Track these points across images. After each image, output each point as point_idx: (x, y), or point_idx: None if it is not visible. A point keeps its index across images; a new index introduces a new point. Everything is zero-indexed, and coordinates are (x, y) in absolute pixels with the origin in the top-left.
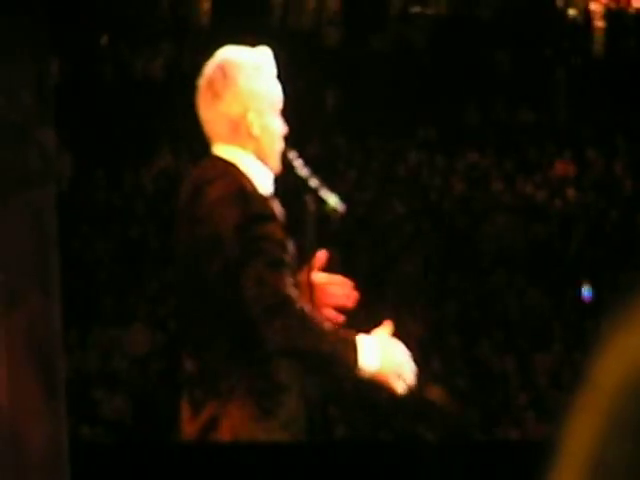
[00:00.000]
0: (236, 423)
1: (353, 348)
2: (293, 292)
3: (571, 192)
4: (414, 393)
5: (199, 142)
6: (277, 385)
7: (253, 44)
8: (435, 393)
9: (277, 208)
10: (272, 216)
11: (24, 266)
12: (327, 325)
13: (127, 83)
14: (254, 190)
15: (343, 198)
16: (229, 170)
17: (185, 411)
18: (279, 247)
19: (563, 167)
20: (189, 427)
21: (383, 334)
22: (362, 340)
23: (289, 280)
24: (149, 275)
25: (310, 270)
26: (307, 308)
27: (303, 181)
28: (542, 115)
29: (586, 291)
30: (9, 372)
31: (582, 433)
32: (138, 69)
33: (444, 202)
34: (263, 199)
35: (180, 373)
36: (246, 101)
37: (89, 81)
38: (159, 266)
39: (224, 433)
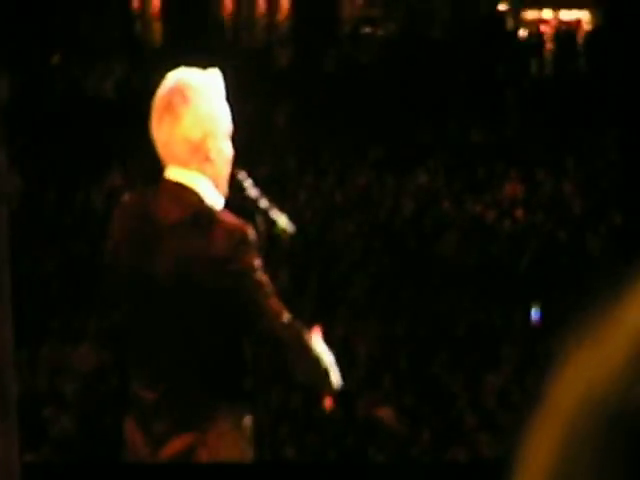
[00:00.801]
0: (214, 450)
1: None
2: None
3: (520, 212)
4: (364, 413)
5: (150, 162)
6: (249, 405)
7: (204, 64)
8: (384, 413)
9: (236, 221)
10: (251, 242)
11: None
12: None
13: (78, 102)
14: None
15: (293, 219)
16: (192, 199)
17: (137, 436)
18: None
19: (512, 187)
20: (145, 451)
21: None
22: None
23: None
24: (99, 294)
25: None
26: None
27: (253, 202)
28: (492, 135)
29: (535, 313)
30: None
31: (539, 453)
32: (89, 87)
33: (394, 221)
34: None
35: (130, 400)
36: (206, 125)
37: (39, 99)
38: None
39: (201, 458)
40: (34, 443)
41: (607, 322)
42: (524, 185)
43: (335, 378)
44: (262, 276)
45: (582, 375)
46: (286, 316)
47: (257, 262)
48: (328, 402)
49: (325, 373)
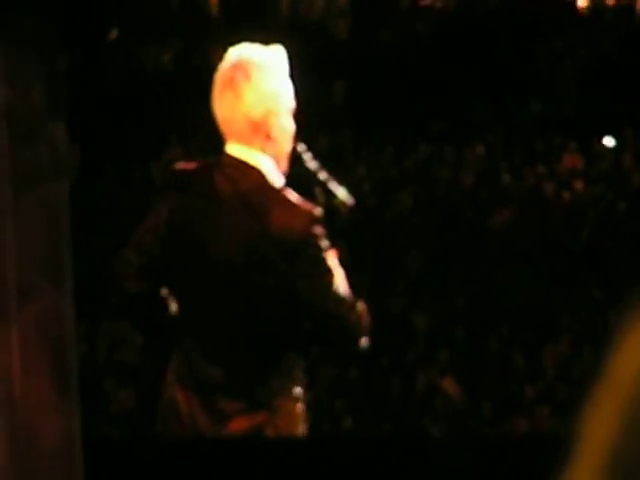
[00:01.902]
0: (282, 429)
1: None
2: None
3: (579, 184)
4: (424, 386)
5: (209, 137)
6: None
7: (263, 39)
8: (448, 385)
9: (303, 202)
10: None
11: (36, 261)
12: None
13: (136, 77)
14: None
15: (352, 191)
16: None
17: (198, 412)
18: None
19: (571, 159)
20: (207, 427)
21: None
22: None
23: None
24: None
25: None
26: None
27: (312, 174)
28: (550, 107)
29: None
30: (22, 366)
31: (599, 428)
32: (148, 63)
33: (452, 195)
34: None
35: (190, 375)
36: (267, 103)
37: (98, 75)
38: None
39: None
40: (95, 419)
41: None
42: (583, 157)
43: (364, 341)
44: (334, 258)
45: None
46: (350, 299)
47: (328, 244)
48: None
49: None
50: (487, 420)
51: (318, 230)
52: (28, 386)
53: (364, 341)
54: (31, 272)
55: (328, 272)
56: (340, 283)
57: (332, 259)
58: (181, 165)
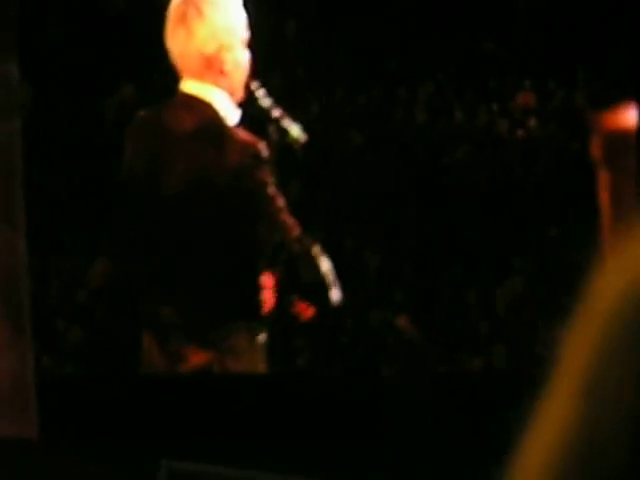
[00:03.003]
0: (231, 368)
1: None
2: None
3: (533, 122)
4: (377, 324)
5: (163, 74)
6: (262, 319)
7: None
8: (403, 322)
9: (249, 137)
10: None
11: None
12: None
13: (89, 14)
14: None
15: (305, 128)
16: (206, 112)
17: (153, 350)
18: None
19: (525, 98)
20: (162, 365)
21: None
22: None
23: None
24: (113, 207)
25: None
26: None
27: (266, 111)
28: (504, 45)
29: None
30: None
31: (577, 355)
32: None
33: (406, 133)
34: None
35: (146, 315)
36: (220, 38)
37: (50, 14)
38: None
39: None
40: (48, 354)
41: None
42: (535, 96)
43: (335, 294)
44: (274, 191)
45: (622, 272)
46: (297, 230)
47: (269, 178)
48: (302, 308)
49: (326, 287)
50: (441, 358)
51: (256, 163)
52: None
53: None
54: None
55: (266, 203)
56: (283, 215)
57: (273, 191)
58: (138, 112)
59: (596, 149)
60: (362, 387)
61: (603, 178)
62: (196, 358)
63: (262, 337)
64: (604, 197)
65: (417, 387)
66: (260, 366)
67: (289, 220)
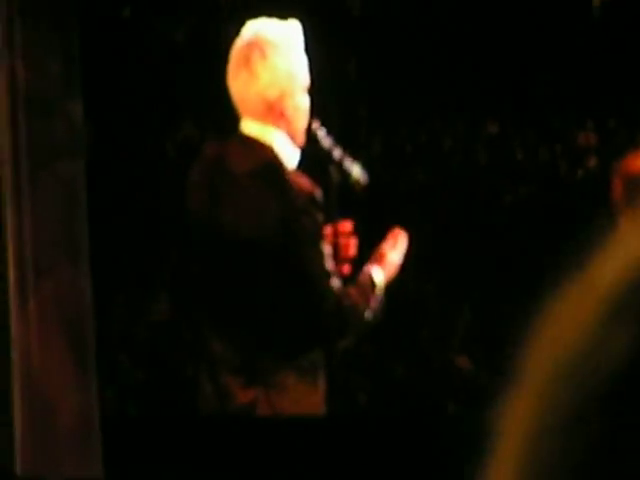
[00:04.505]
0: (277, 404)
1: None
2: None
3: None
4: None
5: (223, 113)
6: (314, 360)
7: (278, 13)
8: (463, 362)
9: (306, 182)
10: (317, 203)
11: (54, 237)
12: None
13: (151, 54)
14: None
15: (366, 169)
16: (267, 154)
17: (207, 387)
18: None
19: (586, 138)
20: (214, 403)
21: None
22: (375, 272)
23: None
24: (175, 244)
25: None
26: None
27: (326, 152)
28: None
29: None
30: (40, 342)
31: (513, 425)
32: (162, 39)
33: (466, 171)
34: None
35: (205, 352)
36: (282, 83)
37: (113, 53)
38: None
39: (263, 412)
40: (111, 391)
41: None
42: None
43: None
44: (323, 237)
45: (625, 252)
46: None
47: (321, 224)
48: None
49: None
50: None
51: (310, 209)
52: (46, 361)
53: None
54: (48, 248)
55: (317, 250)
56: (328, 276)
57: (322, 238)
58: (203, 150)
59: (617, 191)
60: (428, 425)
61: (624, 220)
62: (242, 395)
63: (318, 375)
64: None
65: (483, 424)
66: (318, 407)
67: (332, 266)
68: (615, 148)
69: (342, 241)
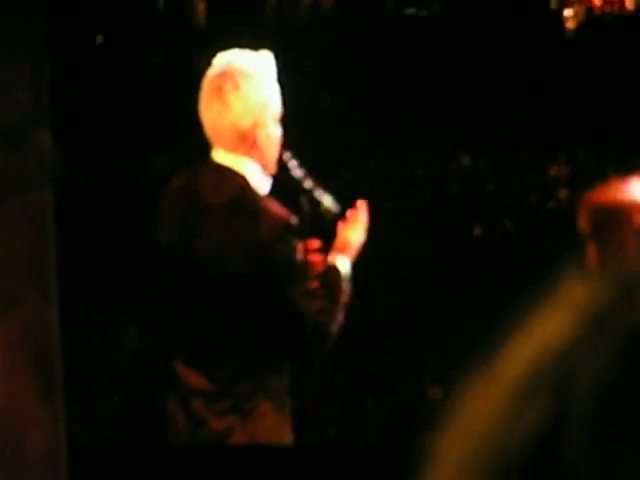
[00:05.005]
0: (255, 432)
1: (340, 277)
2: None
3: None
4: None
5: (195, 144)
6: (285, 388)
7: (250, 45)
8: (435, 393)
9: (280, 209)
10: (293, 228)
11: (22, 268)
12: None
13: (122, 84)
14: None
15: (337, 199)
16: (238, 181)
17: (179, 416)
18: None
19: (557, 170)
20: (185, 432)
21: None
22: (337, 260)
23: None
24: (148, 276)
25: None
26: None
27: (298, 182)
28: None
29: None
30: (7, 373)
31: (480, 419)
32: (133, 70)
33: (439, 202)
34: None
35: (174, 382)
36: (255, 113)
37: (83, 83)
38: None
39: (238, 440)
40: (80, 424)
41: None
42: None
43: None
44: (301, 264)
45: (537, 338)
46: (320, 302)
47: (298, 250)
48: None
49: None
50: None
51: (286, 236)
52: (12, 393)
53: (327, 339)
54: (16, 279)
55: (294, 280)
56: (308, 296)
57: (301, 264)
58: (173, 181)
59: (583, 224)
60: (398, 456)
61: (591, 252)
62: (217, 423)
63: (286, 404)
64: (592, 271)
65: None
66: (286, 436)
67: (312, 290)
68: (584, 180)
69: (311, 258)
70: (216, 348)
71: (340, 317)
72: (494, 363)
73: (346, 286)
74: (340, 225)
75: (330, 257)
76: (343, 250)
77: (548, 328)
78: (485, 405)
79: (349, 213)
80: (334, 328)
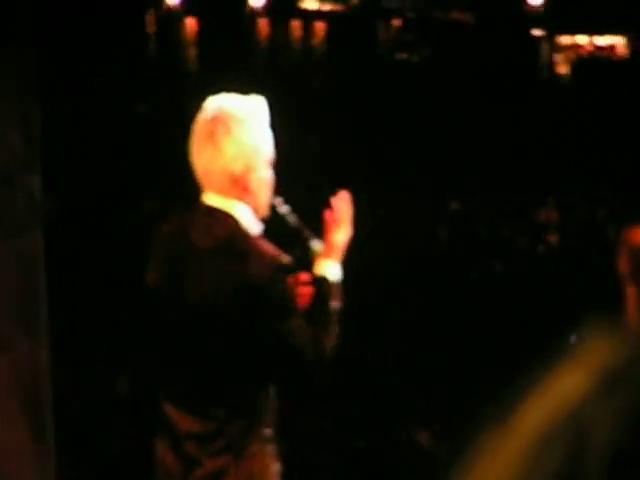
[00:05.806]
0: (253, 472)
1: (329, 286)
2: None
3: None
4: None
5: (185, 188)
6: (274, 427)
7: (241, 90)
8: (424, 438)
9: (272, 249)
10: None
11: (11, 312)
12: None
13: (113, 128)
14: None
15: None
16: (231, 223)
17: (169, 458)
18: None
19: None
20: (177, 473)
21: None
22: (326, 269)
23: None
24: (137, 321)
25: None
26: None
27: (288, 225)
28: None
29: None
30: None
31: (497, 471)
32: (124, 113)
33: (428, 247)
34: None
35: (167, 425)
36: (247, 158)
37: (74, 127)
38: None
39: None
40: (69, 470)
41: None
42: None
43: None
44: (295, 305)
45: (547, 404)
46: (316, 342)
47: (290, 292)
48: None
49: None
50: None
51: (278, 277)
52: (2, 439)
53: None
54: (6, 322)
55: (290, 316)
56: (303, 328)
57: (295, 308)
58: (163, 224)
59: (623, 264)
60: None
61: (630, 293)
62: (210, 465)
63: (274, 450)
64: (631, 312)
65: None
66: (278, 477)
67: (309, 334)
68: (573, 225)
69: (301, 290)
70: (210, 392)
71: (335, 331)
72: (510, 417)
73: (337, 292)
74: (325, 229)
75: (317, 266)
76: (329, 254)
77: (565, 382)
78: (503, 458)
79: (327, 215)
80: (330, 345)
